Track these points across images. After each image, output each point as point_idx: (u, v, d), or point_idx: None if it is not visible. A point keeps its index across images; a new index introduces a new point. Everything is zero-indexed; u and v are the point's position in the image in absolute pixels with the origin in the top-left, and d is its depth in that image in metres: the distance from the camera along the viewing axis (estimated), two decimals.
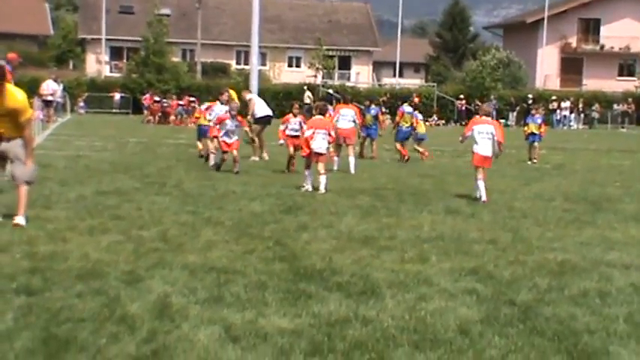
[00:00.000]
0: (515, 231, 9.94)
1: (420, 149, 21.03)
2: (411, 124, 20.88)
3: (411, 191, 13.77)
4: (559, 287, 7.03)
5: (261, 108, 19.99)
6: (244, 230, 9.33)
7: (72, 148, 20.85)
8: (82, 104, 49.14)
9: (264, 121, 19.77)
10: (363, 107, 21.54)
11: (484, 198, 12.57)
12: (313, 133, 13.65)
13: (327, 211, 11.12)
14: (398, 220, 10.55)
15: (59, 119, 36.68)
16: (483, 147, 12.84)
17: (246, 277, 6.96)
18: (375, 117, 21.19)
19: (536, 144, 21.81)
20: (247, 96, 20.77)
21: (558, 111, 53.03)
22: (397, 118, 21.17)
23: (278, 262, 7.66)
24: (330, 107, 18.81)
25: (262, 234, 9.12)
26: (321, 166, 13.47)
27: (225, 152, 16.04)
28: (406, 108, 21.17)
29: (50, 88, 35.85)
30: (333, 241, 8.80)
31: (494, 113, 52.55)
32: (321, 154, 13.60)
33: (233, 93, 19.68)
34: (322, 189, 13.20)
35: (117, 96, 50.66)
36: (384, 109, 22.51)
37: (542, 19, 63.50)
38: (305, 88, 50.48)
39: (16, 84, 15.63)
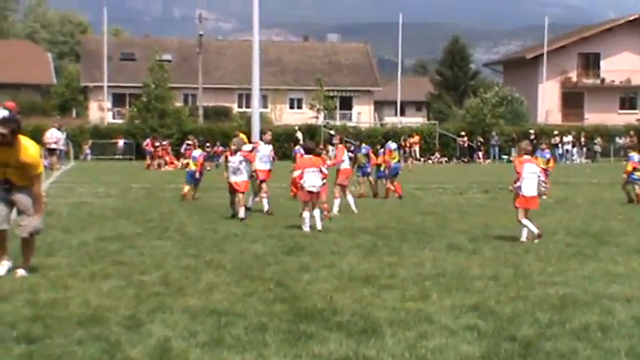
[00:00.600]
0: (516, 266, 9.94)
1: (392, 187, 20.91)
2: (399, 159, 21.25)
3: (413, 229, 13.80)
4: (560, 322, 7.03)
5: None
6: (245, 272, 9.35)
7: (75, 195, 20.95)
8: (87, 151, 49.46)
9: None
10: (355, 147, 21.85)
11: (537, 231, 12.22)
12: (302, 172, 13.70)
13: (329, 251, 11.14)
14: (399, 258, 10.57)
15: (63, 167, 36.88)
16: (529, 187, 12.44)
17: (247, 319, 6.98)
18: (367, 155, 21.32)
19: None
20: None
21: (560, 145, 53.20)
22: (385, 157, 21.34)
23: (279, 303, 7.68)
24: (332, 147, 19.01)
25: (263, 275, 9.15)
26: (314, 206, 13.59)
27: (233, 193, 15.57)
28: (392, 145, 21.45)
29: (54, 136, 36.12)
30: (335, 281, 8.82)
31: (496, 150, 53.11)
32: (314, 193, 13.61)
33: (244, 137, 19.52)
34: (319, 226, 13.32)
35: (120, 142, 50.98)
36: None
37: (542, 54, 64.01)
38: (296, 128, 50.67)
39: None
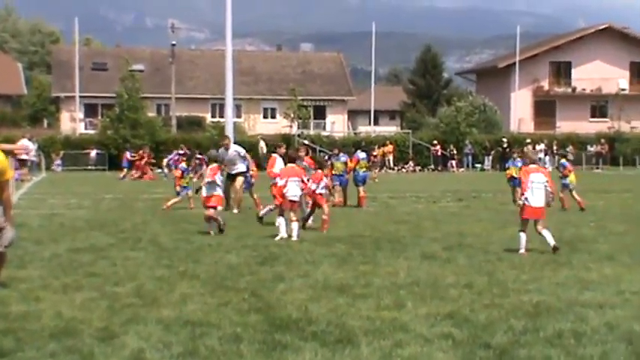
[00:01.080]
0: (490, 274, 10.00)
1: (362, 193, 21.44)
2: (367, 168, 21.89)
3: (387, 238, 13.84)
4: (534, 329, 7.08)
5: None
6: (220, 283, 9.33)
7: (46, 207, 20.78)
8: (58, 162, 49.03)
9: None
10: (331, 155, 22.12)
11: (552, 243, 11.85)
12: (286, 182, 13.86)
13: (303, 260, 11.15)
14: (374, 267, 10.59)
15: (34, 178, 36.57)
16: (537, 198, 12.04)
17: (221, 330, 6.96)
18: (345, 164, 21.60)
19: (518, 188, 21.79)
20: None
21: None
22: (352, 165, 21.79)
23: (253, 313, 7.67)
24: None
25: (238, 286, 9.13)
26: (293, 215, 13.70)
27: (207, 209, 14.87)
28: (360, 154, 22.16)
29: (24, 146, 35.84)
30: (309, 291, 8.82)
31: (469, 159, 53.43)
32: (295, 202, 13.84)
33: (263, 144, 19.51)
34: (295, 236, 13.38)
35: (92, 153, 50.62)
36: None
37: (514, 63, 64.54)
38: (259, 138, 50.56)
39: None
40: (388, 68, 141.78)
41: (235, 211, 19.02)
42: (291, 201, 13.78)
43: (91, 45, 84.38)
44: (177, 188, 20.37)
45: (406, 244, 13.08)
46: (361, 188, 21.45)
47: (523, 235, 12.07)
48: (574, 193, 20.52)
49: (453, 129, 54.68)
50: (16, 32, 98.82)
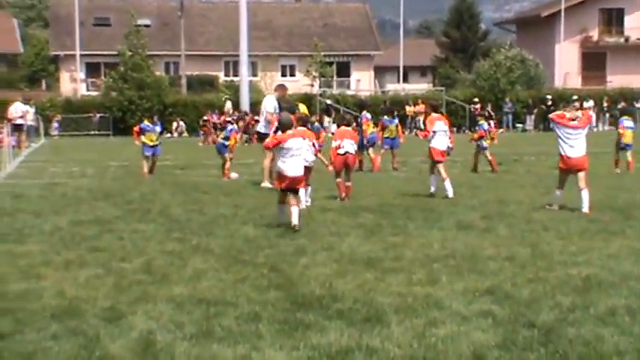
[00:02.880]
0: (534, 246, 9.95)
1: (372, 155, 22.06)
2: (373, 129, 22.45)
3: (419, 206, 13.79)
4: (584, 305, 7.03)
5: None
6: (236, 257, 9.34)
7: (47, 176, 20.91)
8: (55, 125, 49.31)
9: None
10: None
11: (585, 209, 12.80)
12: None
13: (327, 231, 11.14)
14: (405, 238, 10.56)
15: (32, 144, 36.80)
16: (577, 148, 12.94)
17: (238, 309, 6.97)
18: (396, 127, 22.75)
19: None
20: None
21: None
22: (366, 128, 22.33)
23: (273, 290, 7.67)
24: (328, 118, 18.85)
25: (256, 260, 9.14)
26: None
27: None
28: (367, 114, 22.67)
29: (19, 110, 35.93)
30: (334, 265, 8.82)
31: (510, 118, 53.02)
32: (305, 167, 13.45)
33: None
34: (305, 201, 13.47)
35: (95, 117, 50.82)
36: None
37: (559, 11, 63.70)
38: (223, 99, 50.11)
39: None
40: (419, 19, 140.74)
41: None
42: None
43: None
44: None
45: (440, 212, 13.03)
46: (371, 150, 22.11)
47: (584, 193, 12.84)
48: (628, 154, 20.38)
49: (491, 86, 54.26)
50: None
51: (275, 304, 7.12)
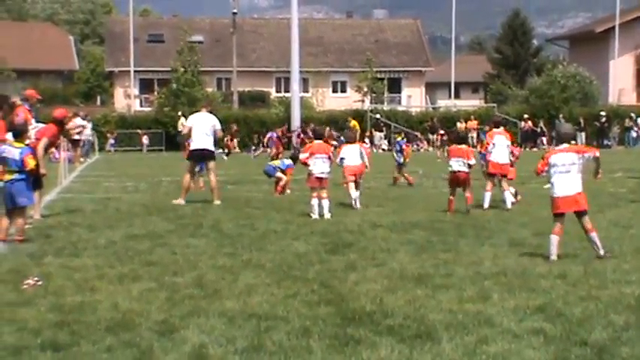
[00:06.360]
0: (586, 263, 9.84)
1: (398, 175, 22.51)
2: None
3: (470, 223, 13.74)
4: (637, 324, 6.95)
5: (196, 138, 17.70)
6: (287, 272, 9.40)
7: (101, 190, 21.23)
8: (112, 142, 50.05)
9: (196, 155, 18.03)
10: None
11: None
12: (309, 156, 15.13)
13: (378, 247, 11.15)
14: (456, 255, 10.53)
15: (88, 160, 37.36)
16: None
17: (289, 323, 7.02)
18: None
19: None
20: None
21: (636, 129, 52.39)
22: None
23: (323, 305, 7.71)
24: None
25: (306, 276, 9.19)
26: (323, 191, 14.74)
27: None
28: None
29: (77, 125, 36.43)
30: (385, 281, 8.83)
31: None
32: (323, 179, 14.91)
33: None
34: (327, 213, 14.56)
35: (144, 138, 51.30)
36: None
37: (614, 27, 62.98)
38: (178, 115, 48.03)
39: (42, 122, 16.10)
40: (470, 35, 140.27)
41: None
42: (318, 178, 14.86)
43: (146, 15, 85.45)
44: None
45: (492, 229, 12.96)
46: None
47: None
48: None
49: (545, 103, 53.73)
50: (65, 2, 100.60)
51: (325, 320, 7.15)
